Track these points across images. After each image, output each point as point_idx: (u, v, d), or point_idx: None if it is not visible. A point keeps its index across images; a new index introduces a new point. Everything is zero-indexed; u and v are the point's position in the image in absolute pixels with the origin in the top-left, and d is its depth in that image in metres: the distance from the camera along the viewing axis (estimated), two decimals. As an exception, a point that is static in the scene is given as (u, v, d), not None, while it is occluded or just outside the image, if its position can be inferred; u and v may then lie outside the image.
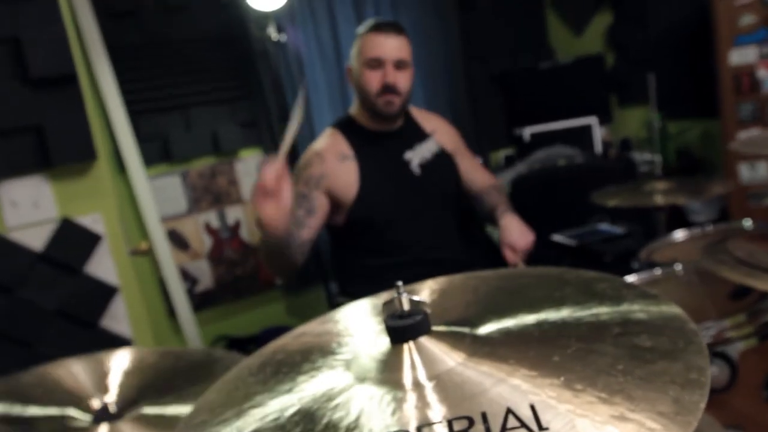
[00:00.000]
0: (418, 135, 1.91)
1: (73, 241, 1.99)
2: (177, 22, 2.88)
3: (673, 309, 0.61)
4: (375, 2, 3.30)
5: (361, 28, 1.79)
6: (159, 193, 2.85)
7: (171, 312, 2.83)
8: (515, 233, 1.70)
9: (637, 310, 0.61)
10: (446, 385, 0.54)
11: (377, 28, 1.74)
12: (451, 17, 3.56)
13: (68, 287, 1.97)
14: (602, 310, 0.61)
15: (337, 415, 0.53)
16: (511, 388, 0.51)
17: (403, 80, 1.76)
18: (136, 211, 2.75)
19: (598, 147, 3.48)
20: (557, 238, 2.49)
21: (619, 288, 0.66)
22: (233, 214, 3.07)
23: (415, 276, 0.84)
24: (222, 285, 3.07)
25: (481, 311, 0.67)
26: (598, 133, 3.49)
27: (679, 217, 3.17)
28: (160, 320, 2.89)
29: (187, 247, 2.97)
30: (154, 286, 2.88)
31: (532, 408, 0.48)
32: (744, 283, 1.04)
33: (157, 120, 2.87)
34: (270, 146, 3.07)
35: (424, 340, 0.59)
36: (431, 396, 0.53)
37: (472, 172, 2.00)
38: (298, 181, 1.73)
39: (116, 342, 2.02)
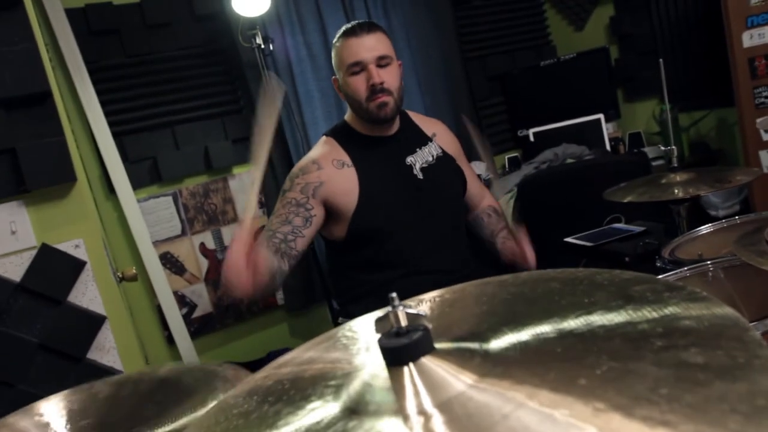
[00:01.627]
0: (419, 138, 1.82)
1: (54, 270, 1.88)
2: (160, 38, 2.81)
3: (729, 312, 0.49)
4: (365, 6, 3.20)
5: (335, 38, 1.71)
6: (150, 216, 2.74)
7: (170, 339, 2.71)
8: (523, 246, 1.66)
9: (683, 316, 0.50)
10: (451, 415, 0.44)
11: (349, 32, 1.66)
12: (445, 17, 3.46)
13: (51, 319, 1.86)
14: (640, 318, 0.51)
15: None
16: (526, 420, 0.41)
17: (389, 76, 1.66)
18: (127, 235, 2.64)
19: (607, 144, 3.34)
20: (571, 240, 2.35)
21: (660, 291, 0.55)
22: (230, 233, 2.95)
23: (424, 289, 0.75)
24: (221, 308, 2.95)
25: (496, 323, 0.57)
26: (606, 130, 3.35)
27: (697, 213, 3.02)
28: (157, 349, 2.78)
29: (183, 271, 2.85)
30: (151, 313, 2.76)
31: (551, 447, 0.38)
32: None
33: (144, 140, 2.78)
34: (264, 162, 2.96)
35: (426, 361, 0.50)
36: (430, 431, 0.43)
37: (472, 186, 1.88)
38: (292, 188, 1.64)
39: (105, 375, 1.90)
